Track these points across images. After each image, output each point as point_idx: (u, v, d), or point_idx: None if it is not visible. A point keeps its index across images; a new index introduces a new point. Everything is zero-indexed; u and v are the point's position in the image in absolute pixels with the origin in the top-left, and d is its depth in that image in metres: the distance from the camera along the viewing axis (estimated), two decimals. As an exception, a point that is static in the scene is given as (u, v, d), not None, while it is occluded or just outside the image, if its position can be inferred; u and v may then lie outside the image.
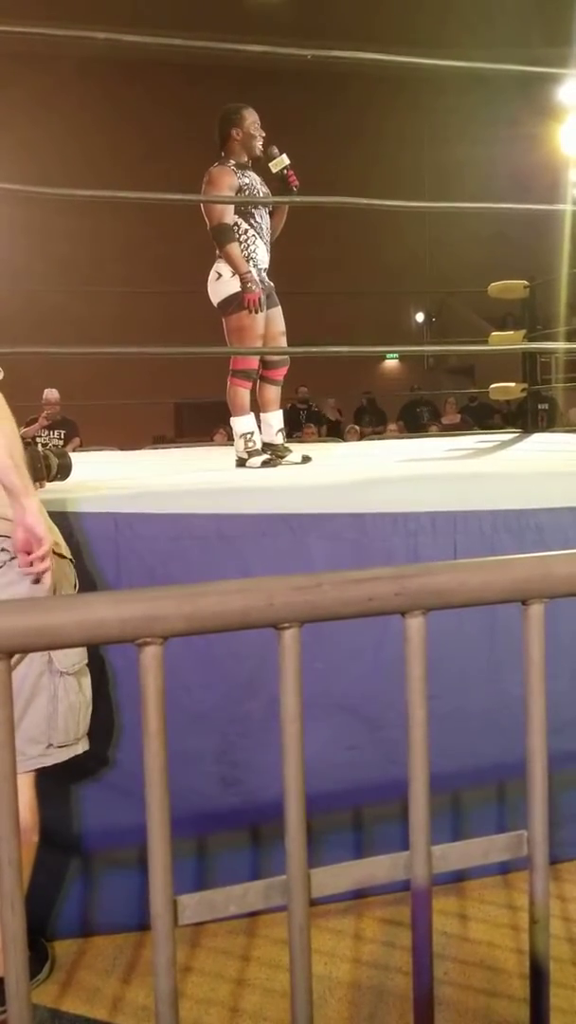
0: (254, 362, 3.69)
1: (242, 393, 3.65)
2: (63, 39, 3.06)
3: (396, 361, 18.68)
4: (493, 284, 5.23)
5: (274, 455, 3.72)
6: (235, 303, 3.59)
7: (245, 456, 3.61)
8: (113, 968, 2.18)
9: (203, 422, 11.61)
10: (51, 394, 9.50)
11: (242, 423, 3.64)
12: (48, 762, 1.91)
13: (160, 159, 13.92)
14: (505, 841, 0.99)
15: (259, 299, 3.57)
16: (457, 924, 2.32)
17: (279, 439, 3.87)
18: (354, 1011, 2.00)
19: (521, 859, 1.00)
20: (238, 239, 3.59)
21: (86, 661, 2.00)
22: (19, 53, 12.66)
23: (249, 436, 3.63)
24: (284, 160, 3.66)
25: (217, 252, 3.63)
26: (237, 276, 3.56)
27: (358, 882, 0.97)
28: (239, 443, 3.64)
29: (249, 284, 3.55)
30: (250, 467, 3.57)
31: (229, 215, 3.57)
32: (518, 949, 2.20)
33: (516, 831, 1.00)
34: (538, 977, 1.00)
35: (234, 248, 3.55)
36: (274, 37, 3.68)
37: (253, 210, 3.64)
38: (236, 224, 3.59)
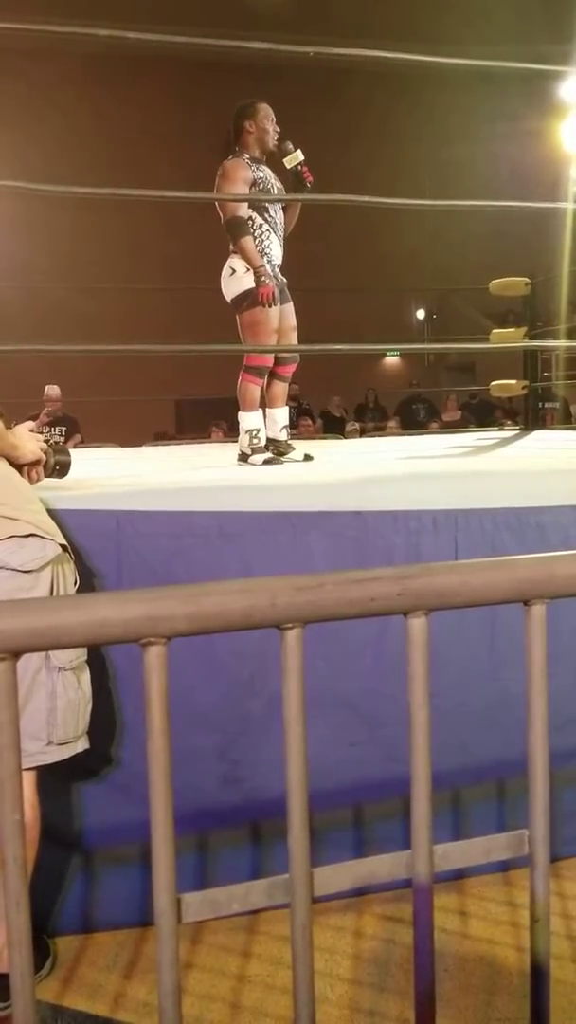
0: (268, 360, 3.68)
1: (253, 389, 3.65)
2: (67, 36, 3.05)
3: (397, 358, 18.69)
4: (494, 281, 5.23)
5: (277, 451, 3.72)
6: (249, 299, 3.59)
7: (248, 452, 3.61)
8: (114, 964, 2.19)
9: (203, 419, 11.60)
10: (52, 391, 9.49)
11: (250, 419, 3.64)
12: (48, 760, 1.91)
13: (165, 154, 13.92)
14: (506, 840, 0.99)
15: (273, 293, 3.56)
16: (457, 921, 2.33)
17: (283, 435, 3.88)
18: (354, 1007, 2.00)
19: (522, 857, 1.01)
20: (252, 233, 3.57)
21: (85, 657, 2.00)
22: (22, 48, 12.64)
23: (255, 433, 3.63)
24: (299, 156, 3.65)
25: (231, 247, 3.63)
26: (251, 271, 3.56)
27: (360, 880, 0.97)
28: (244, 438, 3.64)
29: (263, 278, 3.54)
30: (252, 463, 3.57)
31: (243, 208, 3.56)
32: (518, 946, 2.20)
33: (517, 830, 1.00)
34: (539, 975, 1.00)
35: (248, 242, 3.55)
36: (276, 33, 3.69)
37: (267, 205, 3.63)
38: (250, 219, 3.58)
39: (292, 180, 3.72)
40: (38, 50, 12.33)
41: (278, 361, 3.81)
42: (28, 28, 2.97)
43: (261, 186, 3.62)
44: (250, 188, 3.59)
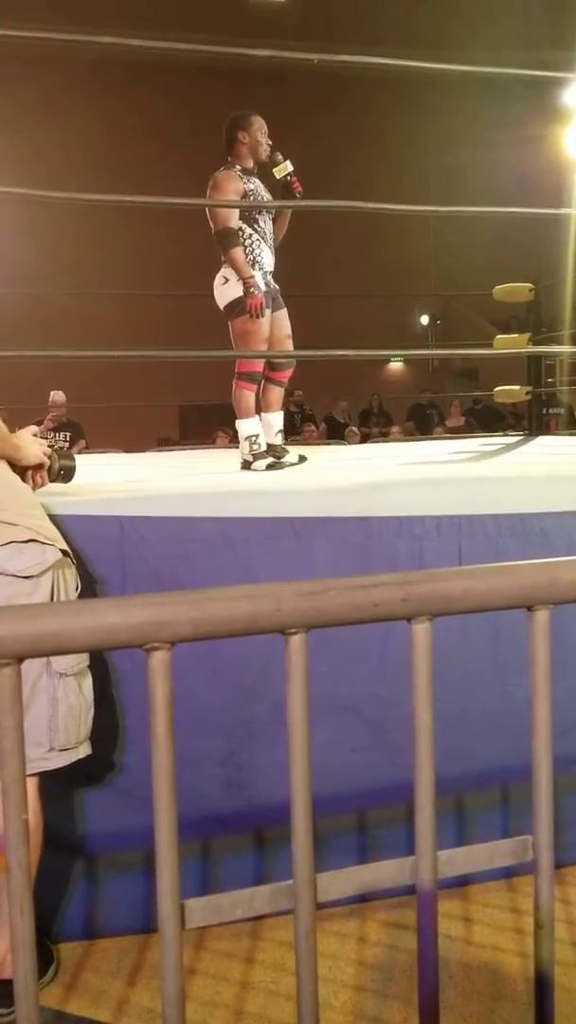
0: (259, 365, 3.72)
1: (247, 396, 3.68)
2: (71, 43, 3.06)
3: (401, 363, 18.69)
4: (498, 287, 5.23)
5: (271, 455, 3.75)
6: (240, 307, 3.62)
7: (250, 459, 3.62)
8: (118, 970, 2.19)
9: (207, 424, 11.62)
10: (57, 396, 9.52)
11: (247, 426, 3.67)
12: (50, 766, 1.90)
13: (168, 160, 13.94)
14: (510, 846, 0.99)
15: (261, 304, 3.59)
16: (461, 928, 2.33)
17: (278, 440, 3.91)
18: (358, 1014, 2.00)
19: (526, 863, 1.01)
20: (243, 243, 3.61)
21: (86, 663, 1.99)
22: (26, 55, 12.66)
23: (254, 439, 3.65)
24: (288, 166, 3.72)
25: (223, 257, 3.66)
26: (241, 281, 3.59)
27: (364, 886, 0.97)
28: (244, 445, 3.66)
29: (252, 289, 3.57)
30: (255, 470, 3.58)
31: (234, 220, 3.61)
32: (522, 953, 2.20)
33: (521, 836, 1.00)
34: (543, 982, 1.00)
35: (238, 253, 3.59)
36: (279, 39, 3.71)
37: (257, 215, 3.68)
38: (241, 229, 3.63)
39: (281, 190, 3.79)
40: (42, 57, 12.35)
41: (274, 367, 3.85)
42: (32, 36, 2.98)
43: (252, 198, 3.68)
44: (241, 200, 3.64)
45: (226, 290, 3.67)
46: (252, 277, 3.59)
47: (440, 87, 13.79)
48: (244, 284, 3.58)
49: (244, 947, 2.25)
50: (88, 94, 14.78)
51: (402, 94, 14.52)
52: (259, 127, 3.75)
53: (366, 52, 3.37)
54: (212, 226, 3.67)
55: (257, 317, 3.60)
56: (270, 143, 3.76)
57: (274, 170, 3.72)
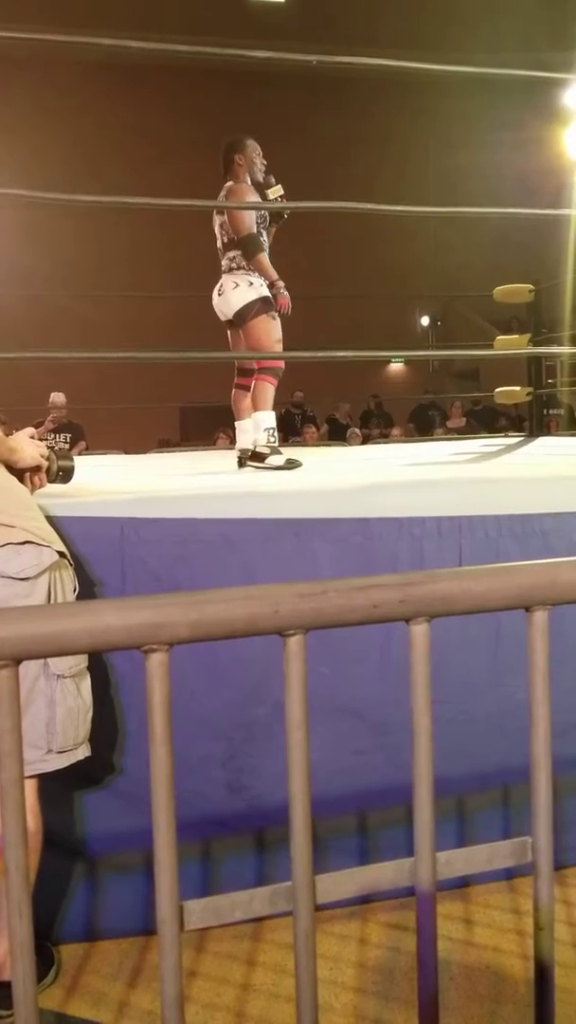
0: (283, 363, 3.86)
1: (270, 389, 3.84)
2: (69, 44, 3.06)
3: (401, 364, 18.70)
4: (498, 288, 5.24)
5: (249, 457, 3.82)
6: (256, 308, 3.76)
7: (267, 451, 3.65)
8: (119, 972, 2.18)
9: (207, 426, 11.64)
10: (57, 398, 9.52)
11: (268, 418, 3.76)
12: (48, 768, 1.90)
13: (166, 162, 13.97)
14: (510, 848, 0.99)
15: (288, 302, 3.78)
16: (462, 929, 2.32)
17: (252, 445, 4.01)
18: (359, 1016, 2.00)
19: (526, 864, 1.00)
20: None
21: (85, 664, 1.99)
22: (22, 57, 12.69)
23: (272, 431, 3.72)
24: (279, 189, 3.90)
25: (232, 264, 3.79)
26: (254, 285, 3.74)
27: (363, 888, 0.97)
28: (262, 436, 3.73)
29: (283, 290, 3.77)
30: (270, 464, 3.60)
31: (255, 227, 3.78)
32: (523, 954, 2.19)
33: (520, 837, 1.00)
34: (543, 983, 1.00)
35: (265, 257, 3.77)
36: (278, 40, 3.75)
37: (263, 228, 3.85)
38: None
39: (272, 210, 3.93)
40: (40, 60, 12.37)
41: (251, 374, 3.93)
42: (31, 37, 2.98)
43: (262, 213, 3.87)
44: (256, 215, 3.82)
45: (239, 294, 3.79)
46: (280, 280, 3.79)
47: (440, 88, 13.82)
48: (274, 286, 3.77)
49: (245, 949, 2.25)
50: (86, 96, 14.81)
51: (402, 95, 14.55)
52: (254, 148, 3.94)
53: (366, 53, 3.39)
54: (233, 235, 3.81)
55: (287, 313, 3.78)
56: (264, 163, 3.95)
57: (268, 191, 3.89)
